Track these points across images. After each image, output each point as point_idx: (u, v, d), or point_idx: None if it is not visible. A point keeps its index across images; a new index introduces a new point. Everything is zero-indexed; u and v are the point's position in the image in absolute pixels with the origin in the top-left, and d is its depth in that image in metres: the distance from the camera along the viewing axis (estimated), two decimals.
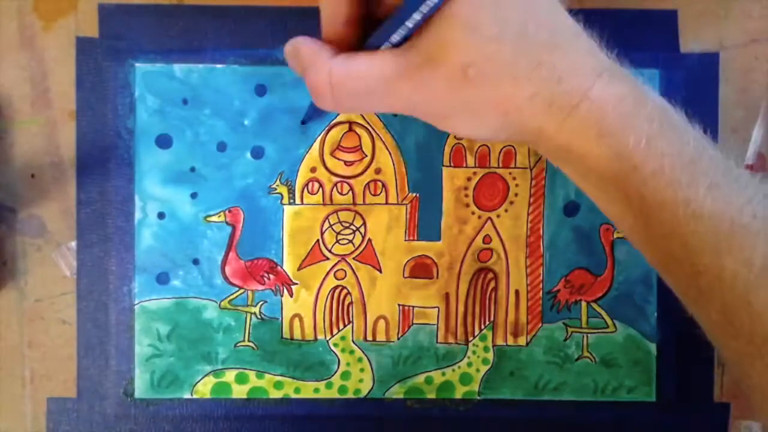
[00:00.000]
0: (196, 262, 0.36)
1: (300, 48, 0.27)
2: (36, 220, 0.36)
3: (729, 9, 0.36)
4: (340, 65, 0.26)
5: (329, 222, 0.36)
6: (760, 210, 0.24)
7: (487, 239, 0.36)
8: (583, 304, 0.36)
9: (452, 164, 0.36)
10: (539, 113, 0.25)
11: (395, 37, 0.25)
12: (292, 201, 0.36)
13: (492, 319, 0.36)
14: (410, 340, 0.36)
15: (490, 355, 0.36)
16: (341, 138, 0.36)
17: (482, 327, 0.36)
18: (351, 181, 0.36)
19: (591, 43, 0.26)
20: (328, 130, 0.36)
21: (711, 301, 0.25)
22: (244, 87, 0.35)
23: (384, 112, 0.28)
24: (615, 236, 0.36)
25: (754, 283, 0.24)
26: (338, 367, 0.36)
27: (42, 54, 0.35)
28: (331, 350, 0.36)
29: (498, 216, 0.36)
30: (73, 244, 0.36)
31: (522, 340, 0.36)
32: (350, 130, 0.36)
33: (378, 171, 0.36)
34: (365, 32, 0.27)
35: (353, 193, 0.36)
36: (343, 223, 0.36)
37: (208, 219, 0.36)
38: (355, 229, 0.36)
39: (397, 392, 0.36)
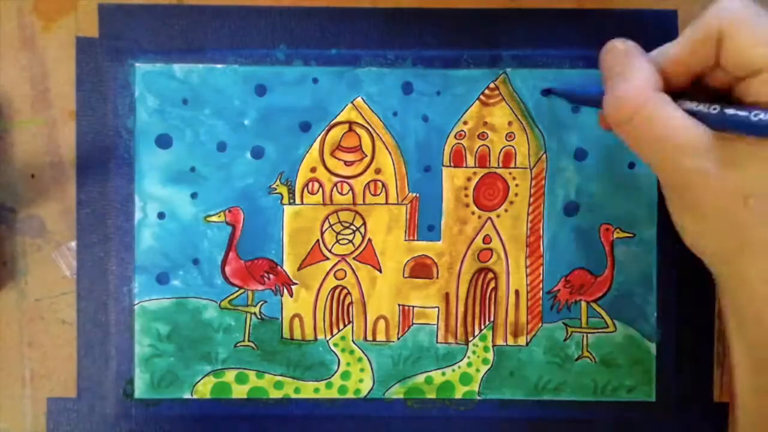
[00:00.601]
0: (196, 262, 0.36)
1: (627, 51, 0.27)
2: (36, 220, 0.36)
3: None
4: (662, 103, 0.26)
5: (329, 222, 0.36)
6: None
7: (487, 239, 0.36)
8: (583, 304, 0.36)
9: (452, 164, 0.36)
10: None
11: (720, 125, 0.25)
12: (292, 201, 0.36)
13: (492, 319, 0.36)
14: (410, 340, 0.36)
15: (490, 355, 0.36)
16: (341, 138, 0.36)
17: (482, 327, 0.36)
18: (351, 181, 0.36)
19: None
20: (328, 130, 0.36)
21: None
22: (244, 87, 0.35)
23: (648, 162, 0.28)
24: (615, 236, 0.36)
25: None
26: (338, 367, 0.36)
27: (42, 54, 0.35)
28: (331, 350, 0.36)
29: (498, 216, 0.36)
30: (73, 244, 0.36)
31: (522, 340, 0.36)
32: (350, 130, 0.36)
33: (378, 171, 0.36)
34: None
35: (353, 193, 0.36)
36: (343, 223, 0.36)
37: (208, 219, 0.36)
38: (355, 229, 0.36)
39: (397, 392, 0.36)
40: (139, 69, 0.35)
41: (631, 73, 0.27)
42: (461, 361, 0.36)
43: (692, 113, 0.26)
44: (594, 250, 0.36)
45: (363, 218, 0.36)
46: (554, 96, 0.35)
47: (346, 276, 0.36)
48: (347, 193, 0.36)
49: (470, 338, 0.36)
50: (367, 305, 0.36)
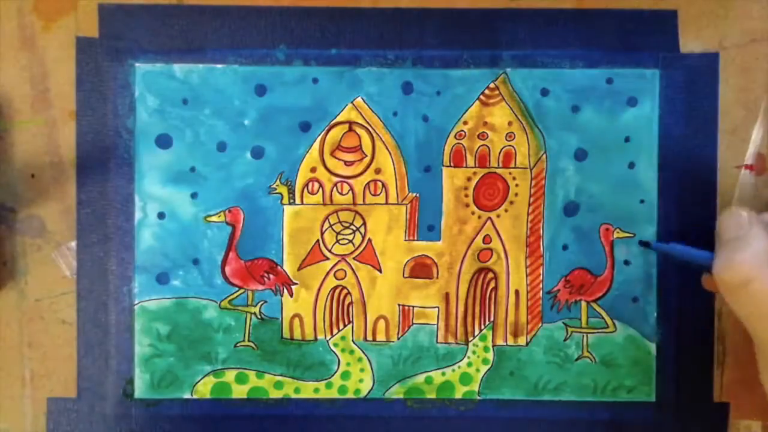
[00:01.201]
0: (196, 262, 0.36)
1: (749, 219, 0.28)
2: (36, 220, 0.36)
3: (729, 9, 0.36)
4: None
5: (329, 222, 0.36)
6: None
7: (487, 239, 0.36)
8: (583, 304, 0.36)
9: (452, 164, 0.36)
10: None
11: None
12: (292, 201, 0.36)
13: (492, 319, 0.36)
14: (410, 340, 0.36)
15: (490, 355, 0.36)
16: (341, 138, 0.36)
17: (482, 327, 0.36)
18: (351, 181, 0.36)
19: None
20: (328, 130, 0.36)
21: None
22: (244, 87, 0.35)
23: (752, 327, 0.28)
24: (615, 236, 0.36)
25: None
26: (338, 367, 0.36)
27: (42, 54, 0.35)
28: (331, 350, 0.36)
29: (498, 216, 0.36)
30: (73, 244, 0.36)
31: (522, 340, 0.36)
32: (350, 130, 0.36)
33: (378, 171, 0.36)
34: None
35: (353, 193, 0.36)
36: (343, 223, 0.36)
37: (208, 219, 0.36)
38: (355, 229, 0.36)
39: (397, 392, 0.36)
40: (139, 69, 0.35)
41: (750, 241, 0.27)
42: (461, 361, 0.36)
43: None
44: (594, 250, 0.36)
45: (363, 218, 0.36)
46: (649, 249, 0.35)
47: (346, 276, 0.36)
48: (347, 193, 0.36)
49: (470, 338, 0.36)
50: (367, 305, 0.36)
